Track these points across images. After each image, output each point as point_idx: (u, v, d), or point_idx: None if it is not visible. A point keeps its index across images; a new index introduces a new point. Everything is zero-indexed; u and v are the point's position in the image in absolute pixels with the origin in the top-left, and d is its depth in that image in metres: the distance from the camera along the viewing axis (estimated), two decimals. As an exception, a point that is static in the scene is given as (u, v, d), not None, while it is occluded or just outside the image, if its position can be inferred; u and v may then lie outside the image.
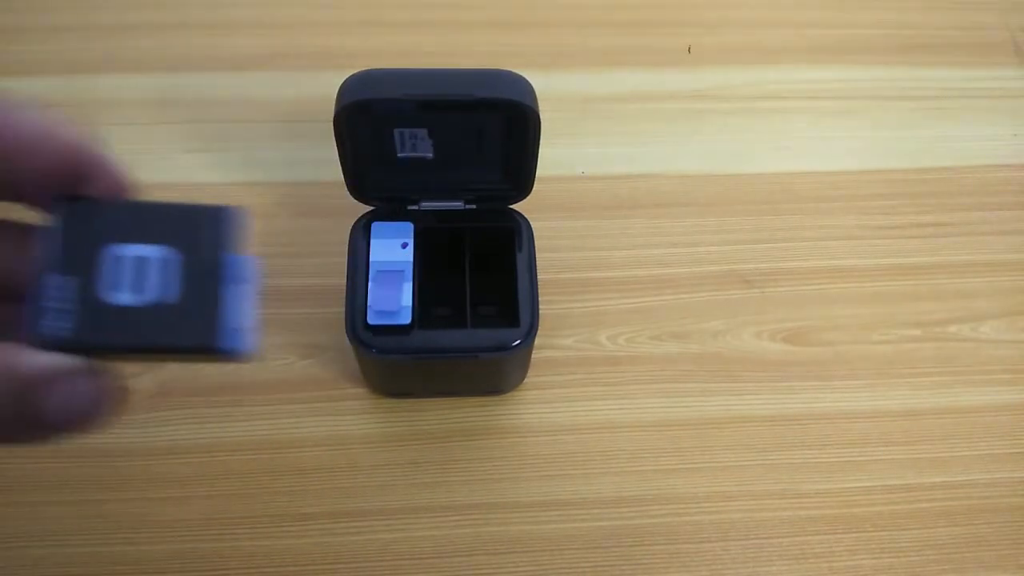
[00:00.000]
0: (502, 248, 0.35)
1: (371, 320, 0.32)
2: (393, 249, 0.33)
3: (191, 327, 0.20)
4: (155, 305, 0.19)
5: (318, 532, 0.35)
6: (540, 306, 0.34)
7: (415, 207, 0.35)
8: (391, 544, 0.35)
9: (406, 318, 0.32)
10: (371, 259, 0.33)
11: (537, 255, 0.35)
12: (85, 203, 0.19)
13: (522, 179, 0.34)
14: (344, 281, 0.33)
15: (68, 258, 0.19)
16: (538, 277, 0.34)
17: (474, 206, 0.35)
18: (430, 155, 0.34)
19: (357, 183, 0.34)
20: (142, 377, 0.37)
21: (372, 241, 0.34)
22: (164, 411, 0.37)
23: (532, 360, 0.37)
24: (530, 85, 0.31)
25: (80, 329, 0.19)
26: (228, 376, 0.38)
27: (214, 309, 0.20)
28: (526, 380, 0.39)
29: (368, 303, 0.32)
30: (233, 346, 0.20)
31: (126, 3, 0.49)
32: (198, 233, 0.20)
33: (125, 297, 0.19)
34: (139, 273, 0.20)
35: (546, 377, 0.39)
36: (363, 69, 0.31)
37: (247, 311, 0.20)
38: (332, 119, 0.30)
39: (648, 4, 0.52)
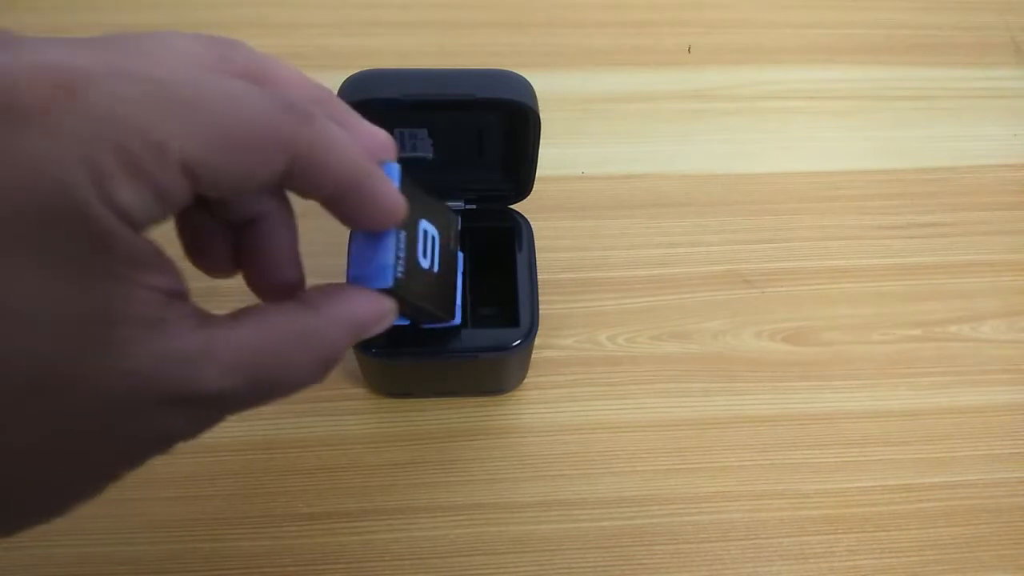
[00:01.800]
0: (502, 248, 0.35)
1: (371, 320, 0.32)
2: (393, 249, 0.33)
3: (443, 301, 0.24)
4: (430, 273, 0.24)
5: (318, 532, 0.35)
6: (540, 306, 0.34)
7: (415, 207, 0.35)
8: (391, 544, 0.35)
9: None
10: (371, 259, 0.33)
11: (537, 255, 0.35)
12: (407, 176, 0.22)
13: (522, 179, 0.34)
14: (344, 281, 0.33)
15: (408, 220, 0.22)
16: (538, 277, 0.34)
17: (474, 206, 0.35)
18: (430, 155, 0.34)
19: (357, 183, 0.34)
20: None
21: (372, 241, 0.34)
22: (164, 411, 0.37)
23: (532, 360, 0.37)
24: (530, 85, 0.31)
25: (408, 279, 0.22)
26: (228, 376, 0.38)
27: (454, 289, 0.25)
28: (526, 380, 0.39)
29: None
30: (455, 320, 0.25)
31: (126, 3, 0.49)
32: (449, 226, 0.25)
33: (423, 262, 0.23)
34: (428, 245, 0.23)
35: (546, 377, 0.39)
36: (363, 69, 0.31)
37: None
38: (332, 119, 0.30)
39: (648, 4, 0.52)
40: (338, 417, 0.37)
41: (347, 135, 0.19)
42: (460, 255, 0.25)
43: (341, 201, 0.20)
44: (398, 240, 0.22)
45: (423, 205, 0.24)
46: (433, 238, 0.24)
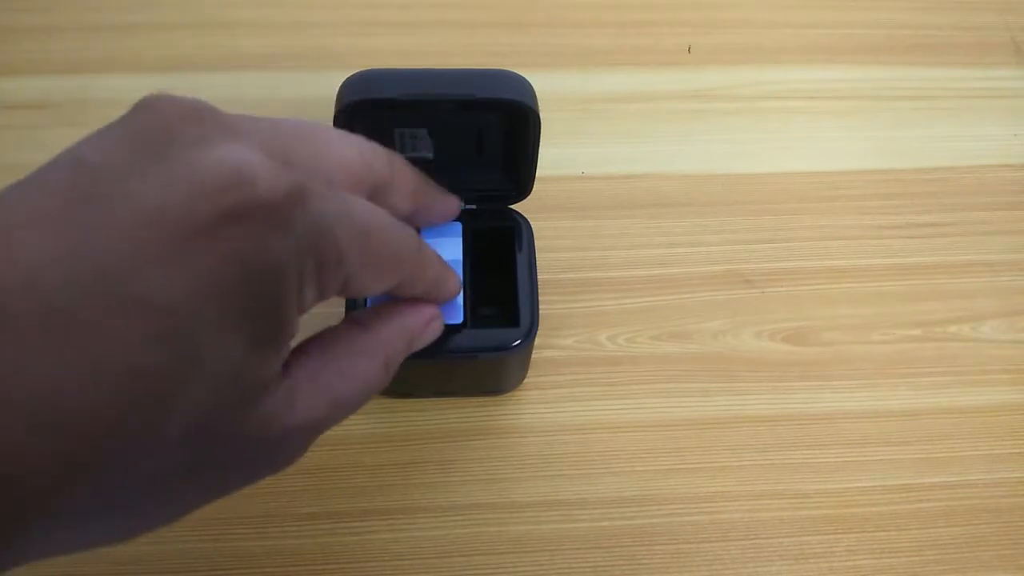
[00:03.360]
0: (502, 248, 0.35)
1: (371, 320, 0.32)
2: (393, 249, 0.33)
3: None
4: None
5: (318, 532, 0.35)
6: (540, 306, 0.34)
7: (415, 207, 0.34)
8: (391, 544, 0.35)
9: (406, 318, 0.32)
10: (371, 259, 0.33)
11: (537, 255, 0.35)
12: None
13: (522, 179, 0.34)
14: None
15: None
16: (538, 277, 0.34)
17: (474, 206, 0.35)
18: (430, 155, 0.34)
19: (357, 183, 0.34)
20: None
21: (372, 241, 0.34)
22: (164, 411, 0.37)
23: (532, 360, 0.37)
24: (530, 85, 0.31)
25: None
26: (228, 376, 0.38)
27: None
28: (526, 380, 0.39)
29: (368, 303, 0.32)
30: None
31: (126, 3, 0.49)
32: None
33: None
34: None
35: (546, 377, 0.39)
36: (363, 69, 0.31)
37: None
38: (332, 119, 0.30)
39: (648, 4, 0.52)
40: (338, 417, 0.37)
41: (436, 254, 0.25)
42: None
43: (421, 296, 0.25)
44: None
45: None
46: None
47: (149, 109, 0.18)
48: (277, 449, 0.21)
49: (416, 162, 0.34)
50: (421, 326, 0.26)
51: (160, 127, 0.18)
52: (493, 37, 0.50)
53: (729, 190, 0.45)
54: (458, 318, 0.32)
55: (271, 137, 0.20)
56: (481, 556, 0.35)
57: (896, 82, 0.50)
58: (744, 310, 0.41)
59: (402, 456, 0.37)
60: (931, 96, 0.50)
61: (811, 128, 0.48)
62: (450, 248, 0.32)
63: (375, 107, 0.30)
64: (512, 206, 0.35)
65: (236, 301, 0.17)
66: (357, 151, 0.23)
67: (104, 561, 0.34)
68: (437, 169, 0.34)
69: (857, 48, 0.51)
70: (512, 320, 0.33)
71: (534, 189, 0.34)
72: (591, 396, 0.38)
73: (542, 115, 0.31)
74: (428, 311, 0.26)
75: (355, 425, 0.37)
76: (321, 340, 0.23)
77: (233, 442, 0.19)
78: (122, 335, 0.16)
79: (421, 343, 0.26)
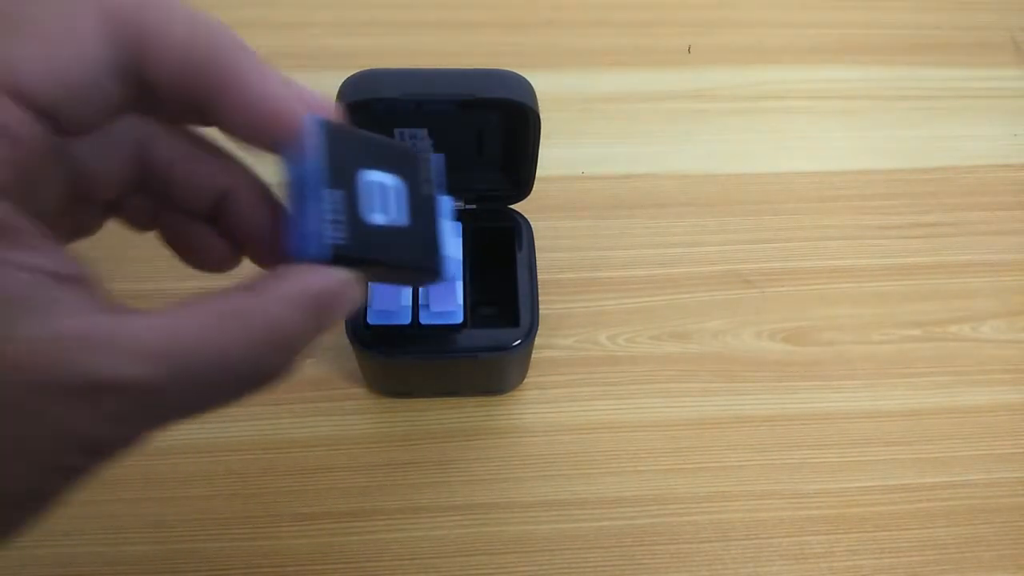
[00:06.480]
0: (502, 248, 0.35)
1: (371, 320, 0.32)
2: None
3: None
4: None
5: (318, 532, 0.35)
6: (540, 306, 0.34)
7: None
8: (391, 544, 0.35)
9: (406, 318, 0.32)
10: (371, 259, 0.33)
11: (537, 255, 0.35)
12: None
13: (522, 179, 0.34)
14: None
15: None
16: (538, 277, 0.34)
17: (474, 206, 0.35)
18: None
19: (357, 183, 0.34)
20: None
21: (372, 241, 0.34)
22: (164, 411, 0.37)
23: (532, 360, 0.37)
24: (530, 85, 0.31)
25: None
26: (228, 376, 0.38)
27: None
28: (526, 380, 0.39)
29: (368, 303, 0.32)
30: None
31: (126, 3, 0.49)
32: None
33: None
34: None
35: (546, 377, 0.39)
36: (363, 69, 0.31)
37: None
38: (332, 119, 0.30)
39: (648, 4, 0.52)
40: (338, 417, 0.37)
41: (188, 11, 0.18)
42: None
43: (199, 93, 0.19)
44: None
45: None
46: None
47: None
48: (84, 400, 0.15)
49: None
50: (325, 289, 0.18)
51: None
52: (493, 37, 0.50)
53: (729, 190, 0.45)
54: (458, 318, 0.32)
55: None
56: (481, 556, 0.35)
57: (896, 82, 0.50)
58: (744, 310, 0.41)
59: (402, 456, 0.37)
60: (931, 96, 0.50)
61: (811, 128, 0.48)
62: (450, 248, 0.32)
63: (375, 107, 0.30)
64: (512, 206, 0.35)
65: None
66: None
67: (104, 562, 0.34)
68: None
69: (857, 48, 0.51)
70: (512, 320, 0.33)
71: (534, 189, 0.34)
72: (591, 396, 0.38)
73: (542, 115, 0.31)
74: (332, 273, 0.19)
75: (355, 425, 0.37)
76: (188, 299, 0.17)
77: None
78: None
79: (336, 311, 0.19)
